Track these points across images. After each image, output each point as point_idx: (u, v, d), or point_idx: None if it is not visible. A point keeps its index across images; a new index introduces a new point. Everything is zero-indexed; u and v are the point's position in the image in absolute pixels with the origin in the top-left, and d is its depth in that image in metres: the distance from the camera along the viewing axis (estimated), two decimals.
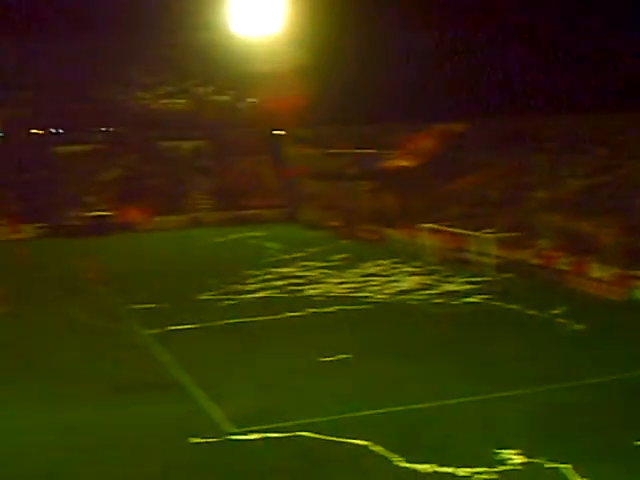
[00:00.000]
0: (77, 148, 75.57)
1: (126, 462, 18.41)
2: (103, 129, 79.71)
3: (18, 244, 53.32)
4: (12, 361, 27.68)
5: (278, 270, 42.95)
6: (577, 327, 29.41)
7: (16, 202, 67.86)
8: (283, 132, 79.92)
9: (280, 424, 19.96)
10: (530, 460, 17.19)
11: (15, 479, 17.71)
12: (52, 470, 18.11)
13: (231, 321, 31.98)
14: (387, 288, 37.71)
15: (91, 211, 66.45)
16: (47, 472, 18.03)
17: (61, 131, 78.89)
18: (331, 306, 34.08)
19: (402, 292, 36.76)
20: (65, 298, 37.57)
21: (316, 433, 19.21)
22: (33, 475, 17.92)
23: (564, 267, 38.43)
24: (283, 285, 39.00)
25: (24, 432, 20.53)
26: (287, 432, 19.46)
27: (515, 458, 17.32)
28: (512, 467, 16.98)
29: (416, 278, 39.72)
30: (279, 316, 32.53)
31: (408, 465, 17.32)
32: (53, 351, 28.79)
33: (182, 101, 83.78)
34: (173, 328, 30.98)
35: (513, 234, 42.54)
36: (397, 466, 17.37)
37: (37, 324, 33.28)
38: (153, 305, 35.19)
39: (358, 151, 69.22)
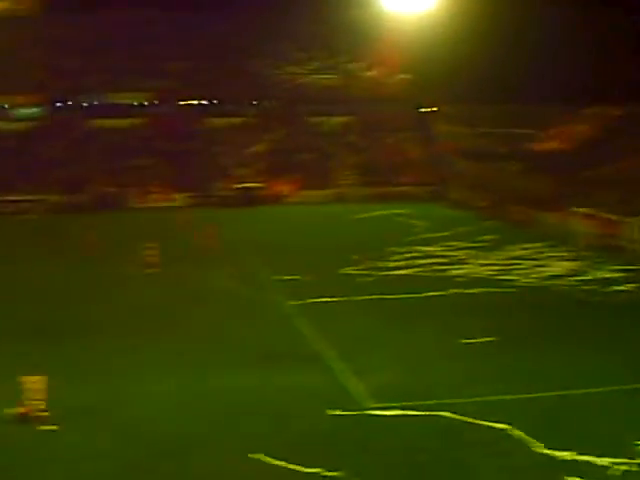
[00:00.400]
0: (229, 121, 77.15)
1: (265, 429, 18.66)
2: (254, 102, 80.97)
3: (172, 211, 55.11)
4: (157, 324, 28.56)
5: (422, 248, 42.68)
6: None
7: (169, 171, 70.01)
8: (432, 109, 79.21)
9: (420, 402, 19.79)
10: None
11: (159, 440, 18.19)
12: (195, 432, 18.59)
13: (373, 297, 31.94)
14: (534, 272, 36.81)
15: (240, 183, 67.88)
16: (190, 434, 18.52)
17: (214, 102, 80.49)
18: (475, 288, 33.55)
19: (550, 277, 35.77)
20: (212, 266, 38.55)
21: (456, 414, 18.98)
22: (177, 435, 18.40)
23: None
24: (427, 264, 38.70)
25: (169, 395, 21.12)
26: (427, 410, 19.27)
27: None
28: None
29: (565, 263, 38.61)
30: (422, 295, 32.30)
31: (547, 451, 16.89)
32: (198, 317, 29.54)
33: (331, 77, 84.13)
34: (316, 300, 31.28)
35: None
36: (536, 451, 16.97)
37: (184, 289, 34.31)
38: (297, 277, 35.62)
39: (510, 131, 67.82)
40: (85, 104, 79.07)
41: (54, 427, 18.57)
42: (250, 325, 28.18)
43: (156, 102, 79.92)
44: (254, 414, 19.62)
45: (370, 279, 35.39)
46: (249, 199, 65.15)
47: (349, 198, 66.81)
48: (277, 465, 16.62)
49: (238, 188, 67.15)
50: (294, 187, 68.77)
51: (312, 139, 76.05)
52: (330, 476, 16.11)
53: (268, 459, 16.84)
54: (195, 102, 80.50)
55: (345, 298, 31.68)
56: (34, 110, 79.04)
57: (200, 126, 77.18)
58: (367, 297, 31.93)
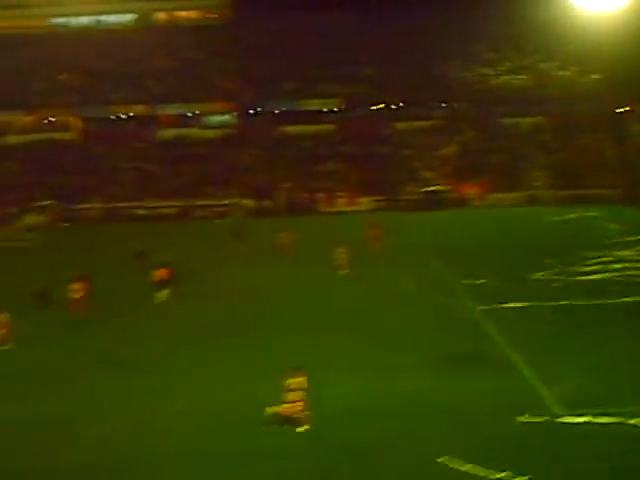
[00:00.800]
0: (417, 124, 77.35)
1: (453, 433, 18.85)
2: (443, 105, 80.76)
3: (360, 215, 55.87)
4: (349, 324, 29.27)
5: (616, 253, 41.36)
6: None
7: (357, 176, 70.98)
8: (626, 108, 76.42)
9: (610, 409, 19.39)
10: None
11: (345, 442, 18.69)
12: (382, 434, 19.00)
13: (563, 302, 31.36)
14: None
15: (427, 186, 67.95)
16: (377, 435, 18.95)
17: (403, 106, 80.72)
18: None
19: None
20: (400, 269, 38.90)
21: None
22: (363, 437, 18.88)
23: None
24: (620, 268, 37.52)
25: (351, 396, 21.59)
26: (617, 417, 18.90)
27: None
28: None
29: None
30: (615, 300, 31.36)
31: None
32: (388, 319, 30.00)
33: (523, 77, 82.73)
34: (504, 305, 31.04)
35: None
36: None
37: (374, 290, 34.93)
38: (484, 281, 35.41)
39: None
40: (276, 111, 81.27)
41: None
42: (439, 329, 28.31)
43: (345, 108, 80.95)
44: (442, 417, 19.82)
45: (560, 284, 34.70)
46: (435, 202, 65.08)
47: (541, 200, 65.55)
48: (464, 470, 16.78)
49: (425, 191, 67.25)
50: (483, 189, 68.18)
51: (503, 140, 75.15)
52: None
53: (455, 463, 17.02)
54: (384, 106, 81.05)
55: (534, 303, 31.24)
56: (226, 117, 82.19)
57: (389, 130, 77.79)
58: (558, 303, 31.35)
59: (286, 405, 19.34)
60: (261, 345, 26.88)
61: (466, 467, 16.81)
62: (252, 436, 19.07)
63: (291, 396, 19.31)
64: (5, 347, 27.04)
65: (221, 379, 23.52)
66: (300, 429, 19.11)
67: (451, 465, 16.96)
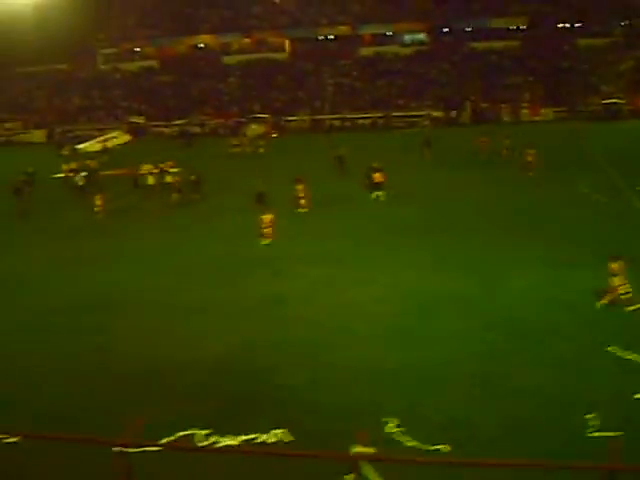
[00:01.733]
0: (597, 41, 73.56)
1: (623, 326, 18.70)
2: (623, 23, 76.06)
3: (540, 125, 54.45)
4: (527, 224, 29.07)
5: None
6: None
7: (540, 89, 68.88)
8: None
9: None
10: None
11: (519, 327, 18.99)
12: (554, 322, 19.06)
13: None
14: None
15: (604, 99, 64.99)
16: (549, 323, 19.05)
17: (584, 24, 76.60)
18: None
19: None
20: (577, 174, 37.80)
21: None
22: (537, 324, 19.07)
23: None
24: None
25: (522, 290, 21.68)
26: None
27: None
28: None
29: None
30: None
31: None
32: (563, 219, 29.57)
33: None
34: None
35: None
36: None
37: (553, 193, 34.38)
38: None
39: None
40: (466, 29, 79.31)
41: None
42: (603, 227, 27.83)
43: (530, 25, 77.88)
44: (610, 311, 19.56)
45: None
46: (613, 113, 62.26)
47: None
48: (630, 359, 16.76)
49: (601, 104, 64.34)
50: None
51: None
52: None
53: (622, 352, 17.00)
54: (567, 25, 77.24)
55: None
56: (420, 36, 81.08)
57: (570, 47, 74.41)
58: None
59: (618, 288, 19.40)
60: (452, 243, 27.06)
61: (631, 356, 16.78)
62: (436, 321, 19.74)
63: (616, 281, 19.45)
64: (267, 241, 28.41)
65: (411, 272, 24.16)
66: (630, 308, 19.29)
67: (618, 353, 16.97)
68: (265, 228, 28.33)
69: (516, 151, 41.79)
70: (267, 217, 28.42)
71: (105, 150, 56.09)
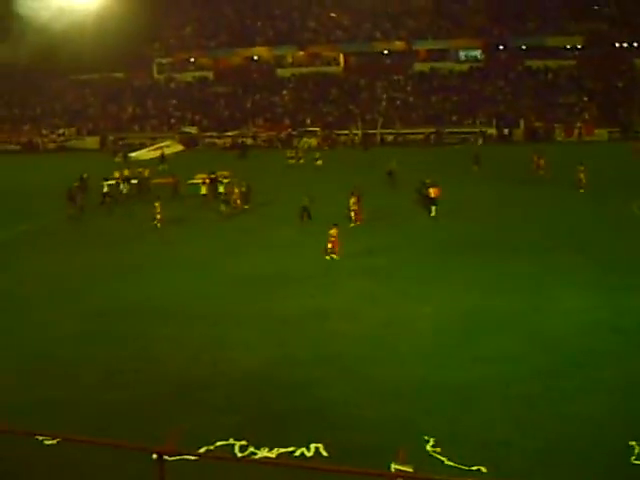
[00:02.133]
0: None
1: None
2: None
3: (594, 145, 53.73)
4: (573, 243, 28.66)
5: None
6: None
7: (594, 109, 68.01)
8: None
9: None
10: None
11: (570, 351, 18.63)
12: (606, 348, 18.70)
13: None
14: None
15: None
16: (600, 349, 18.72)
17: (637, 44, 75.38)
18: None
19: None
20: (629, 194, 37.03)
21: None
22: (587, 349, 18.71)
23: None
24: None
25: (582, 311, 21.30)
26: None
27: None
28: None
29: None
30: None
31: None
32: (611, 240, 29.12)
33: None
34: None
35: None
36: None
37: (603, 211, 34.07)
38: None
39: None
40: (523, 47, 78.56)
41: None
42: None
43: (585, 44, 76.79)
44: None
45: None
46: None
47: None
48: None
49: None
50: None
51: None
52: None
53: None
54: (624, 44, 76.03)
55: None
56: (475, 52, 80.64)
57: (627, 67, 73.26)
58: None
59: None
60: (501, 261, 26.77)
61: None
62: (483, 341, 19.51)
63: None
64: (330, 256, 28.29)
65: (460, 290, 23.91)
66: None
67: None
68: (330, 242, 28.00)
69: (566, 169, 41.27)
70: (333, 231, 28.11)
71: (163, 158, 56.68)
